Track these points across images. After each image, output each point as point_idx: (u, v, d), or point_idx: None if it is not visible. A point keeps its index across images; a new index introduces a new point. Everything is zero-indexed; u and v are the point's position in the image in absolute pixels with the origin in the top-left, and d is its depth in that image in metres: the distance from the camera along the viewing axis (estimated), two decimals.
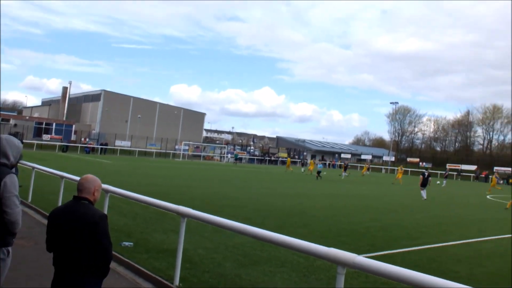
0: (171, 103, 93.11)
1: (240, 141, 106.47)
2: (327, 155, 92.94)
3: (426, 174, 24.29)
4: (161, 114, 77.42)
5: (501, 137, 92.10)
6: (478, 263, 8.33)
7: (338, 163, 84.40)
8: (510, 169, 67.84)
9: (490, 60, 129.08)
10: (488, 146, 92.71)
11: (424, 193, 22.97)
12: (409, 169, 68.59)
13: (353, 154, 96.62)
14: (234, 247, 7.86)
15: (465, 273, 7.39)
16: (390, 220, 13.53)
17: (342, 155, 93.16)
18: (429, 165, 79.34)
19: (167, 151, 65.02)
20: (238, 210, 12.99)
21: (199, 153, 68.40)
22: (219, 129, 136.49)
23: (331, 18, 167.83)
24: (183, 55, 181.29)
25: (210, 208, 12.13)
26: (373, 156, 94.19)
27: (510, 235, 12.15)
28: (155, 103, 79.25)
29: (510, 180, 53.48)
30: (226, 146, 77.19)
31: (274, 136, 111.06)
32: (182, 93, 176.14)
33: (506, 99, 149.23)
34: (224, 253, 7.43)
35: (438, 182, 40.79)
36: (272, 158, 72.94)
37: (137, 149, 61.72)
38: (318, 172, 35.05)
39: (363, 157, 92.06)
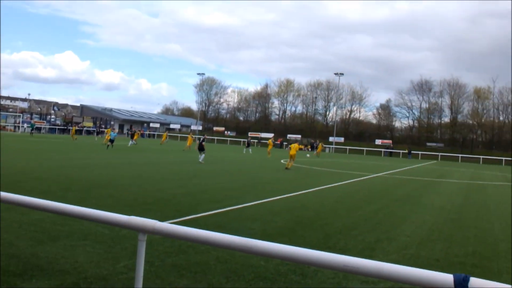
0: None
1: (39, 109, 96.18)
2: (135, 124, 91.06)
3: (202, 139, 26.69)
4: None
5: (293, 108, 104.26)
6: (270, 220, 9.42)
7: (147, 132, 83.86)
8: (300, 136, 77.61)
9: (285, 39, 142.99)
10: (283, 116, 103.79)
11: (201, 157, 24.81)
12: (216, 138, 72.39)
13: (162, 124, 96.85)
14: (31, 224, 7.25)
15: (259, 229, 8.29)
16: (194, 186, 14.15)
17: (151, 125, 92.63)
18: (234, 134, 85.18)
19: None
20: (35, 184, 11.93)
21: None
22: (12, 95, 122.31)
23: None
24: None
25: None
26: (182, 125, 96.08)
27: (296, 193, 14.04)
28: None
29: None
30: (21, 114, 69.16)
31: (79, 104, 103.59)
32: None
33: (297, 74, 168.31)
34: (17, 232, 6.79)
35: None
36: (76, 128, 68.09)
37: None
38: (111, 141, 35.60)
39: (172, 126, 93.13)
